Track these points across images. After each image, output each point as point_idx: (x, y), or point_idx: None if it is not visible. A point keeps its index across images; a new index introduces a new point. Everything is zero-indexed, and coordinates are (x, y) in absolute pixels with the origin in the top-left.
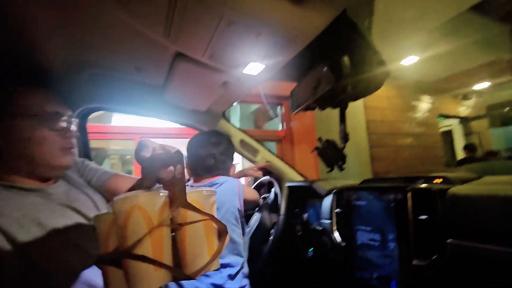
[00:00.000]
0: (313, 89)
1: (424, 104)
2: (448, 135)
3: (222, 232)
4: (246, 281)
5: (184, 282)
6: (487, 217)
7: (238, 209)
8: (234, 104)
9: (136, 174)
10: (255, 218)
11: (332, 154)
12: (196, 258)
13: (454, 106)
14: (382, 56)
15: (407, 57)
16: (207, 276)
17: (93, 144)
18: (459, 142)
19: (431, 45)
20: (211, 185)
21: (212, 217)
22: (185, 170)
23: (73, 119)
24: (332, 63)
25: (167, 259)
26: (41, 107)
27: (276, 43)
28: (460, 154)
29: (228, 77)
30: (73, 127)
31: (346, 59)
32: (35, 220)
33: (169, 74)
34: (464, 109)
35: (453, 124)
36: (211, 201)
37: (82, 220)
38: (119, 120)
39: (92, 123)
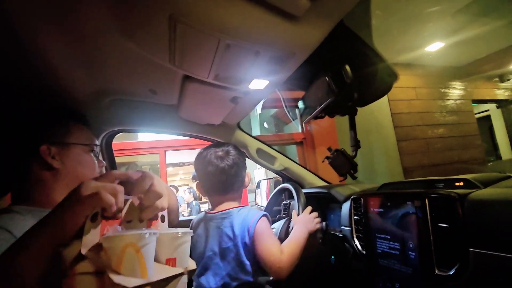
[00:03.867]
0: (319, 99)
1: (455, 91)
2: (485, 121)
3: None
4: None
5: None
6: (509, 224)
7: (246, 243)
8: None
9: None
10: (277, 225)
11: (342, 163)
12: None
13: (490, 89)
14: (404, 44)
15: (431, 44)
16: None
17: (124, 159)
18: (500, 128)
19: (457, 29)
20: (223, 216)
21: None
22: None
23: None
24: (333, 73)
25: None
26: (90, 139)
27: (275, 59)
28: (504, 141)
29: (236, 93)
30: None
31: (347, 68)
32: None
33: (180, 94)
34: (501, 92)
35: (491, 109)
36: (147, 241)
37: None
38: (145, 136)
39: (121, 140)
